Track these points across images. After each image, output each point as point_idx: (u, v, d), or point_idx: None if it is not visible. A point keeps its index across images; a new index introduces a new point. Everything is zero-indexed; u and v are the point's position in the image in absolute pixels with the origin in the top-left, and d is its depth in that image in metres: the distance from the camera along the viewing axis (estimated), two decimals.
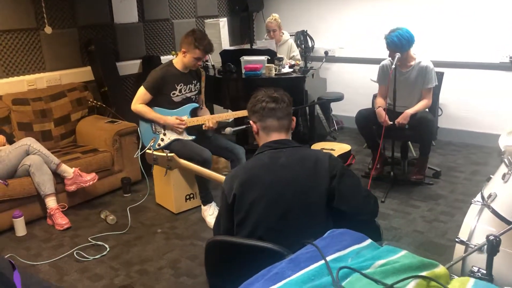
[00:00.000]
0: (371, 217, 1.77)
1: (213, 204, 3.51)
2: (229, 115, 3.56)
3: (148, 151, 2.46)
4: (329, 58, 5.78)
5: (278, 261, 1.46)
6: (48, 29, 4.32)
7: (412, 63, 3.85)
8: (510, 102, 4.71)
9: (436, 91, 4.10)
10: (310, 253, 1.27)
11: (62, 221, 3.50)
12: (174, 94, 3.48)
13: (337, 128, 5.72)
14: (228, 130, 3.00)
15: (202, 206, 3.55)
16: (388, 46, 3.70)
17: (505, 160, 1.96)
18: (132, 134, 4.23)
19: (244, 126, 3.03)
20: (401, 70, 3.83)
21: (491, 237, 1.39)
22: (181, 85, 3.49)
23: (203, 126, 3.46)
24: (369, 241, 1.35)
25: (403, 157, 4.22)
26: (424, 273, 1.14)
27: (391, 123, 3.76)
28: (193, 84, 3.57)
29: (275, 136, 1.87)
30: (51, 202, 3.54)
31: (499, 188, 1.94)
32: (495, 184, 2.00)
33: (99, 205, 3.91)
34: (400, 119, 3.75)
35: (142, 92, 3.46)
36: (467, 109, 4.98)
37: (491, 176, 2.16)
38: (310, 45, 5.89)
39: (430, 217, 3.41)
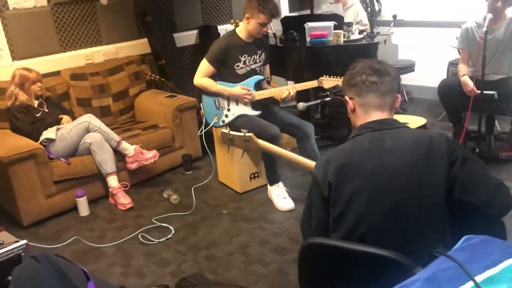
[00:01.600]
0: (503, 211, 1.44)
1: (280, 184, 3.27)
2: (299, 86, 3.25)
3: (224, 130, 2.22)
4: (397, 22, 5.30)
5: (398, 272, 1.19)
6: (103, 0, 4.14)
7: (502, 21, 3.37)
8: None
9: None
10: (450, 270, 0.99)
11: (124, 200, 3.39)
12: (238, 66, 3.21)
13: (407, 99, 5.29)
14: (301, 105, 2.72)
15: (269, 186, 3.32)
16: None
17: None
18: (192, 109, 4.04)
19: (318, 101, 2.77)
20: (489, 28, 3.35)
21: None
22: (245, 56, 3.22)
23: (284, 96, 3.18)
24: None
25: (488, 131, 3.78)
26: None
27: (479, 92, 3.33)
28: (257, 55, 3.28)
29: (376, 115, 1.57)
30: (113, 181, 3.43)
31: None
32: None
33: (161, 183, 3.77)
34: None
35: (205, 65, 3.21)
36: None
37: None
38: (377, 9, 5.41)
39: None
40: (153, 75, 4.31)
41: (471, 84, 3.35)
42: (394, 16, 5.29)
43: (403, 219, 1.41)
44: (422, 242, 1.39)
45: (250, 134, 2.07)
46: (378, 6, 5.43)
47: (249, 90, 3.21)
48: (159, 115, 4.00)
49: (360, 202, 1.43)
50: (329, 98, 2.59)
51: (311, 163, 1.88)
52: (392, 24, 5.27)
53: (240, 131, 2.10)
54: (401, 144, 1.47)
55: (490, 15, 3.21)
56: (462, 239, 1.13)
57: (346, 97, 1.65)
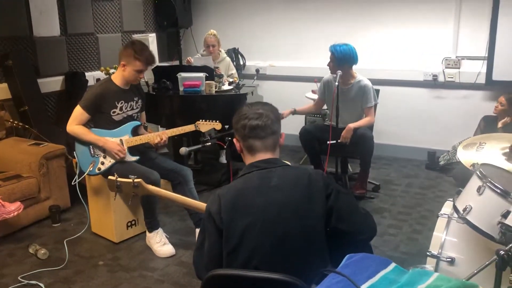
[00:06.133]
0: (371, 235, 1.70)
1: (160, 231, 3.26)
2: (177, 130, 3.34)
3: (111, 177, 2.19)
4: (260, 76, 5.77)
5: None
6: None
7: (352, 81, 3.95)
8: (433, 117, 5.02)
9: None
10: (341, 283, 1.17)
11: None
12: (114, 112, 3.20)
13: None
14: (184, 150, 2.83)
15: (148, 233, 3.28)
16: (336, 55, 3.77)
17: (477, 173, 2.01)
18: (60, 157, 3.84)
19: (200, 145, 2.89)
20: (342, 87, 3.90)
21: (501, 252, 1.39)
22: (121, 103, 3.22)
23: (156, 142, 3.22)
24: (393, 264, 1.28)
25: (343, 172, 4.28)
26: None
27: (342, 141, 3.80)
28: (134, 101, 3.32)
29: (261, 156, 1.74)
30: None
31: (473, 201, 1.98)
32: (468, 197, 2.04)
33: (25, 238, 3.46)
34: (344, 133, 3.81)
35: (78, 112, 3.13)
36: (394, 124, 5.22)
37: (460, 189, 2.22)
38: (242, 63, 5.86)
39: (380, 231, 3.45)
40: (15, 122, 4.02)
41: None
42: (257, 70, 5.78)
43: (290, 249, 1.57)
44: (307, 267, 1.57)
45: (139, 180, 2.09)
46: (242, 60, 5.90)
47: (122, 149, 3.19)
48: (22, 164, 3.72)
49: (252, 236, 1.57)
50: (209, 143, 2.73)
51: (202, 204, 1.97)
52: (255, 78, 5.74)
53: (128, 177, 2.11)
54: (285, 181, 1.65)
55: (340, 72, 3.73)
56: (345, 257, 1.33)
57: (234, 139, 1.79)
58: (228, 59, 5.02)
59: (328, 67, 3.92)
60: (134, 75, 3.18)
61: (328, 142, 3.74)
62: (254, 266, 1.55)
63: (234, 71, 5.02)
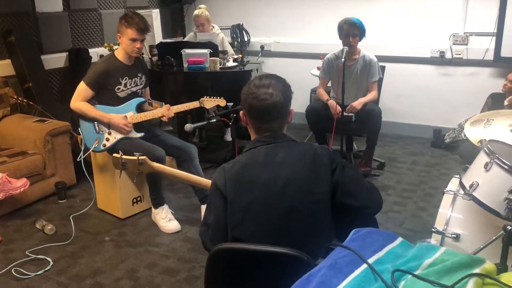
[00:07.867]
0: (377, 210, 1.70)
1: (165, 207, 3.27)
2: (181, 107, 3.33)
3: (116, 155, 2.18)
4: (264, 52, 5.73)
5: (298, 268, 1.34)
6: None
7: (357, 56, 3.90)
8: (439, 94, 4.98)
9: (379, 84, 4.20)
10: (347, 257, 1.16)
11: None
12: (119, 89, 3.18)
13: None
14: (189, 126, 2.81)
15: (153, 209, 3.30)
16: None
17: (485, 149, 2.00)
18: (65, 134, 3.84)
19: (205, 122, 2.88)
20: (346, 64, 3.85)
21: (509, 227, 1.38)
22: (126, 79, 3.20)
23: (162, 118, 3.22)
24: (400, 239, 1.28)
25: (348, 150, 4.27)
26: (476, 270, 1.08)
27: (348, 114, 3.78)
28: (138, 77, 3.29)
29: (267, 132, 1.72)
30: None
31: (480, 177, 1.97)
32: (475, 173, 2.03)
33: (32, 214, 3.49)
34: (355, 104, 3.79)
35: (82, 88, 3.11)
36: (400, 101, 5.18)
37: (467, 166, 2.20)
38: (246, 39, 5.79)
39: (384, 208, 3.43)
40: (20, 98, 4.01)
41: (335, 106, 3.78)
42: (262, 47, 5.74)
43: (296, 224, 1.57)
44: (312, 242, 1.57)
45: (144, 157, 2.09)
46: (247, 37, 5.83)
47: (129, 124, 3.19)
48: (28, 141, 3.72)
49: (257, 212, 1.56)
50: (214, 120, 2.71)
51: (207, 181, 1.97)
52: (260, 54, 5.69)
53: (133, 155, 2.10)
54: (291, 156, 1.64)
55: (346, 48, 3.68)
56: (352, 232, 1.33)
57: (241, 112, 1.76)
58: (221, 35, 4.90)
59: (352, 44, 3.80)
60: (130, 45, 3.11)
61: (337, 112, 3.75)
62: (258, 240, 1.54)
63: (228, 48, 4.91)
